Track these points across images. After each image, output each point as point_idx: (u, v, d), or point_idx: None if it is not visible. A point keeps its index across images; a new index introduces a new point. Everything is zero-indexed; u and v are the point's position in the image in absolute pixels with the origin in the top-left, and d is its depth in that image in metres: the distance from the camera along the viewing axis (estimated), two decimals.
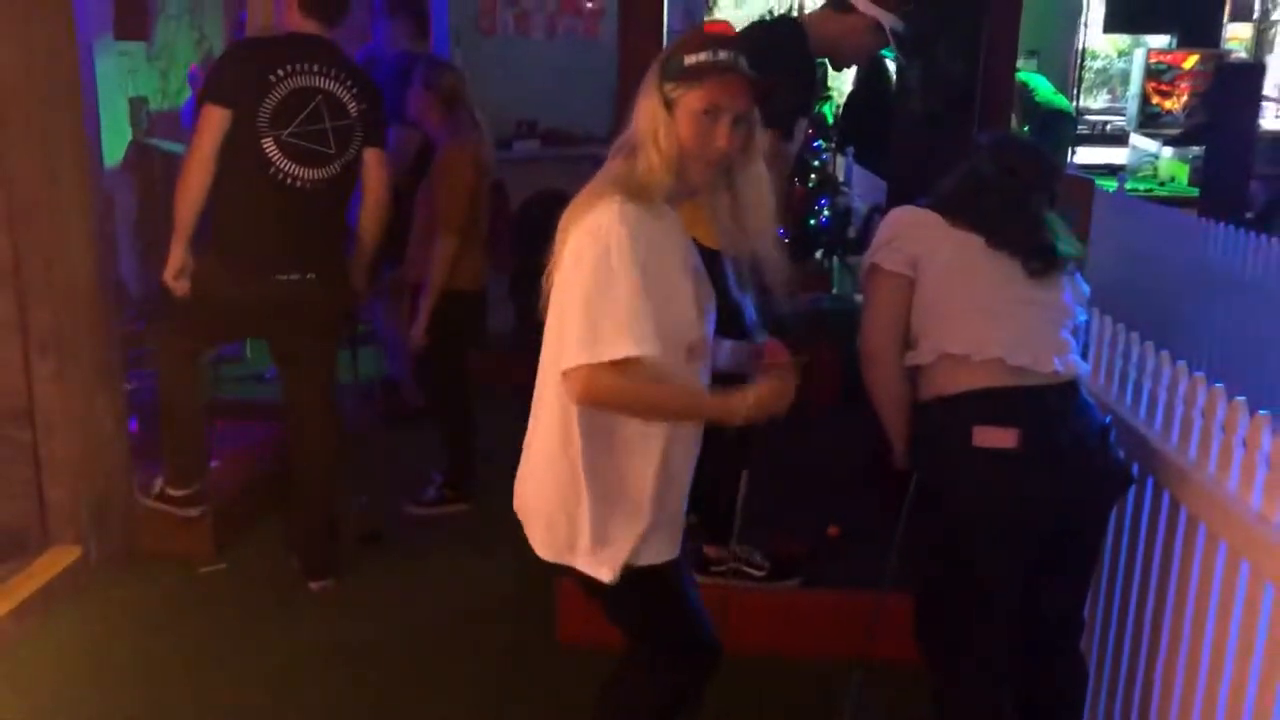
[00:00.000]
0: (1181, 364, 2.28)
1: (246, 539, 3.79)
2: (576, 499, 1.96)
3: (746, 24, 3.19)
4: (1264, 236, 4.37)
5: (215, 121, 3.12)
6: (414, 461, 4.28)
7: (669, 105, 1.91)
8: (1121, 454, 2.35)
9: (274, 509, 3.92)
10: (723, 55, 1.90)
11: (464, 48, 5.70)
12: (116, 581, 3.49)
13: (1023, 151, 2.41)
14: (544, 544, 2.04)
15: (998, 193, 2.28)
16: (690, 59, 1.90)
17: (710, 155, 1.92)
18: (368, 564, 3.66)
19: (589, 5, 6.42)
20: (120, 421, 3.59)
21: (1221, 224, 4.65)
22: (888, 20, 3.09)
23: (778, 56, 2.92)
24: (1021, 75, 7.94)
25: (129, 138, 6.00)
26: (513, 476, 2.14)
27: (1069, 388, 2.22)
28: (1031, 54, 8.55)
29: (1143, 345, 2.46)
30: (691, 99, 1.89)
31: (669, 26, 3.49)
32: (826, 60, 3.35)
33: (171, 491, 3.55)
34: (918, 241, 2.28)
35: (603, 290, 1.82)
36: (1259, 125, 6.82)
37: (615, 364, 1.82)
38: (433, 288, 3.82)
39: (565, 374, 1.86)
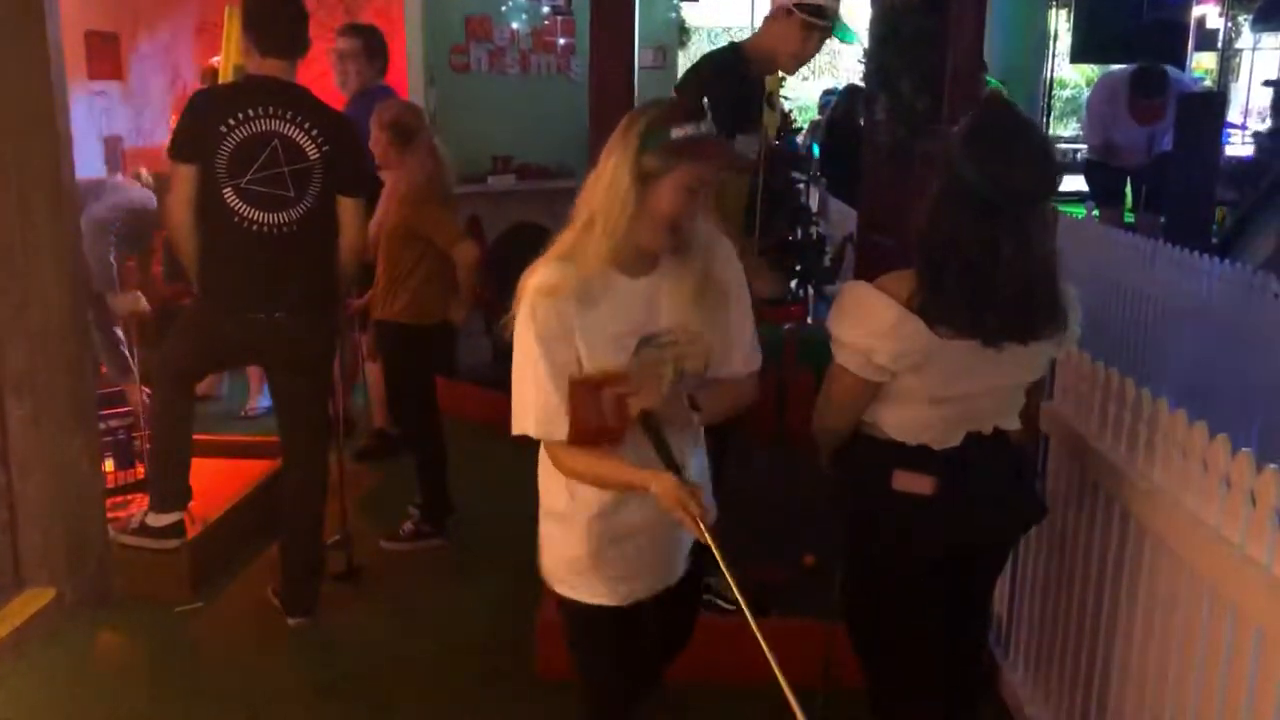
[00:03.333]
0: (1145, 390, 2.32)
1: (223, 578, 3.77)
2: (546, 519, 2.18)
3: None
4: (1225, 261, 4.43)
5: (182, 178, 3.25)
6: (387, 497, 4.29)
7: (646, 177, 1.89)
8: (1035, 486, 2.39)
9: (250, 547, 3.93)
10: (704, 128, 1.91)
11: (438, 86, 5.75)
12: (92, 623, 3.48)
13: (1016, 148, 1.98)
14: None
15: (990, 235, 1.94)
16: (677, 132, 1.88)
17: (681, 223, 1.93)
18: (344, 601, 3.65)
19: (561, 42, 6.50)
20: (95, 462, 3.59)
21: (1184, 249, 4.71)
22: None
23: (715, 83, 2.97)
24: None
25: (103, 177, 6.00)
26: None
27: (994, 434, 2.18)
28: (1000, 84, 8.68)
29: (1107, 370, 2.50)
30: (680, 175, 1.89)
31: (640, 63, 3.54)
32: (781, 75, 3.32)
33: (152, 522, 3.56)
34: (899, 358, 2.02)
35: (518, 368, 1.97)
36: (1223, 152, 6.93)
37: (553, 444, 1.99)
38: (468, 295, 4.03)
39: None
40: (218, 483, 4.12)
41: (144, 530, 3.58)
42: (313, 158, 3.31)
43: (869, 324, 2.03)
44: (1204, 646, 2.02)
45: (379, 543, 4.05)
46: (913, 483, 2.13)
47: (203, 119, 3.26)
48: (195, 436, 3.67)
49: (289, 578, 3.55)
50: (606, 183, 1.91)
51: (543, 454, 2.11)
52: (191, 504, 3.78)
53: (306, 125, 3.29)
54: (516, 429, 1.98)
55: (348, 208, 3.43)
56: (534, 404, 1.94)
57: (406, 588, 3.79)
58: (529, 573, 2.20)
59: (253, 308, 3.30)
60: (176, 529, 3.59)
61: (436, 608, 3.64)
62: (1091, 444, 2.52)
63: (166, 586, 3.60)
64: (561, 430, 1.93)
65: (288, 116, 3.26)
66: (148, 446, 3.86)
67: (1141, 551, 2.28)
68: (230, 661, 3.30)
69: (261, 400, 5.35)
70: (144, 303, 4.08)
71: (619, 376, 1.94)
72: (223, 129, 3.20)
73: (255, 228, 3.26)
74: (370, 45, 4.83)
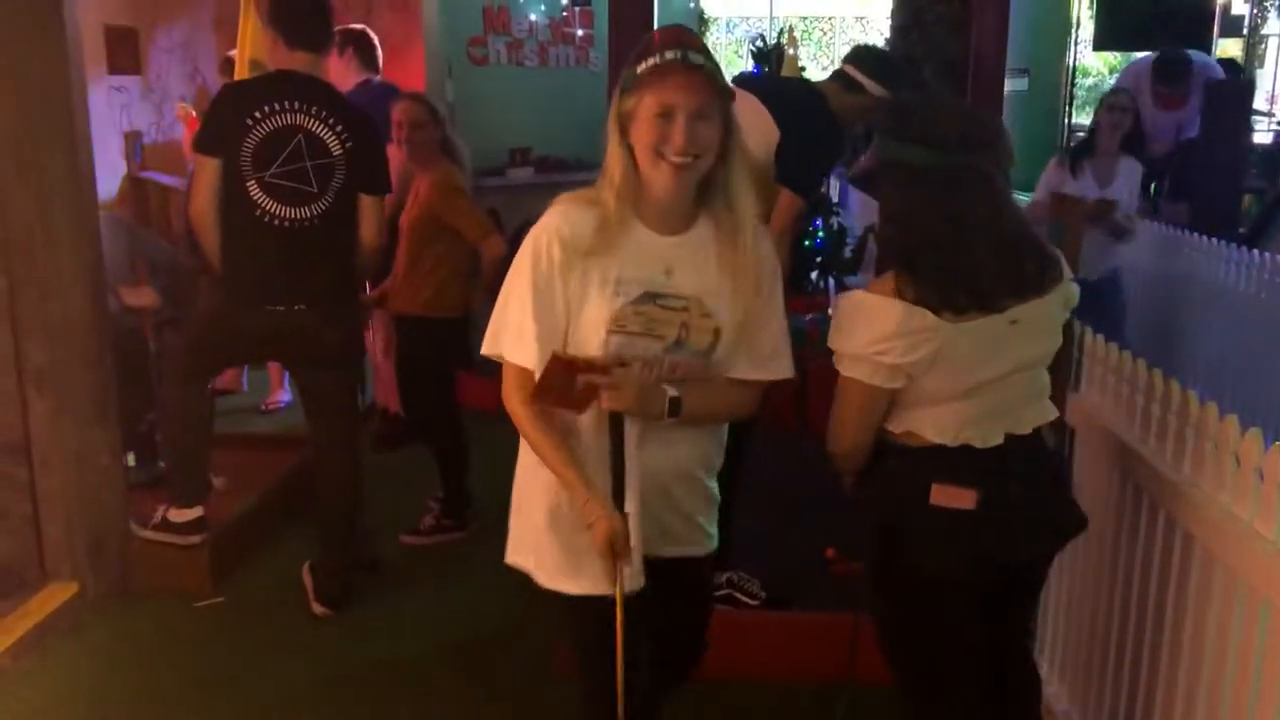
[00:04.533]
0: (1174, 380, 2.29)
1: (243, 572, 3.78)
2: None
3: (757, 77, 3.22)
4: (1254, 251, 4.38)
5: (207, 171, 3.26)
6: (408, 489, 4.28)
7: (626, 124, 1.89)
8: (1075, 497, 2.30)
9: (270, 541, 3.93)
10: (669, 55, 1.84)
11: (456, 79, 5.73)
12: (114, 617, 3.48)
13: (929, 111, 2.06)
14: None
15: (943, 197, 1.95)
16: (642, 66, 1.86)
17: (671, 157, 1.86)
18: (365, 594, 3.64)
19: (579, 34, 6.48)
20: (116, 456, 3.59)
21: (1212, 239, 4.66)
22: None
23: (812, 124, 3.08)
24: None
25: (123, 172, 6.02)
26: (507, 504, 2.21)
27: (1034, 437, 2.12)
28: (1023, 72, 8.59)
29: (1135, 361, 2.46)
30: (646, 105, 1.85)
31: None
32: (801, 65, 3.40)
33: (173, 518, 3.56)
34: (911, 352, 1.95)
35: (507, 287, 1.96)
36: (1250, 140, 6.85)
37: (515, 371, 1.95)
38: (489, 288, 3.82)
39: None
40: (239, 477, 4.13)
41: (165, 526, 3.58)
42: (336, 153, 3.30)
43: (873, 328, 1.95)
44: (1240, 646, 1.98)
45: (399, 537, 4.04)
46: (952, 497, 2.01)
47: (229, 112, 3.26)
48: (215, 431, 3.69)
49: (321, 570, 3.57)
50: (608, 140, 1.92)
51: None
52: (219, 484, 3.86)
53: (331, 121, 3.29)
54: (486, 349, 1.99)
55: (367, 205, 3.43)
56: (513, 326, 1.94)
57: (426, 581, 3.77)
58: None
59: (273, 300, 3.31)
60: (198, 525, 3.59)
61: (457, 603, 3.63)
62: (1120, 437, 2.47)
63: (188, 581, 3.60)
64: (529, 360, 1.92)
65: (313, 111, 3.26)
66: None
67: (1172, 547, 2.24)
68: (251, 656, 3.30)
69: (282, 395, 5.36)
70: (155, 297, 4.08)
71: (601, 366, 1.89)
72: (249, 122, 3.21)
73: (277, 222, 3.27)
74: (343, 43, 4.76)
